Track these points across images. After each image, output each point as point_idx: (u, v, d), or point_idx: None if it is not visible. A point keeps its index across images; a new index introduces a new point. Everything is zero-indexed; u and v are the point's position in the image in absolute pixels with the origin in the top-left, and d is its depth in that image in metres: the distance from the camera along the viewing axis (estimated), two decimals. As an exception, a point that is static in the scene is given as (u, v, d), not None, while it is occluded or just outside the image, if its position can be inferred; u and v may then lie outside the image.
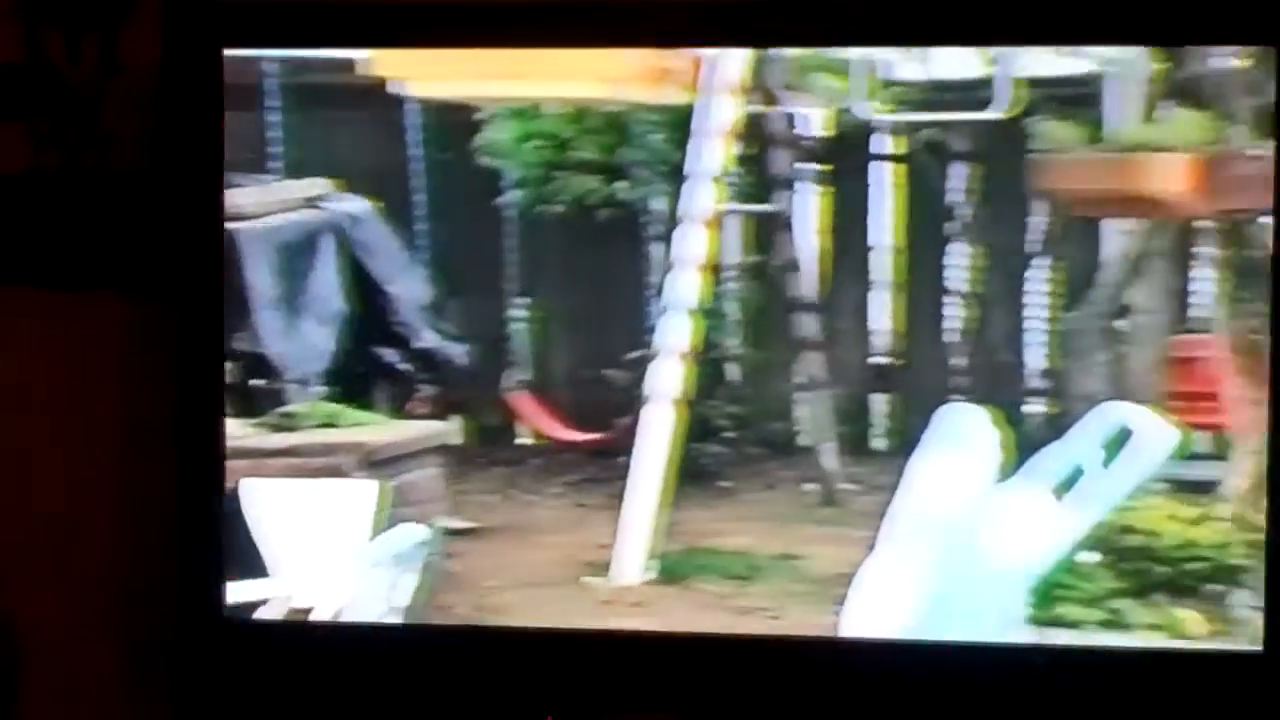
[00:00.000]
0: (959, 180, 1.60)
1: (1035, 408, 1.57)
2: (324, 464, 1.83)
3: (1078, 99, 1.55)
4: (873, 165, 1.60)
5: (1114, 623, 1.47)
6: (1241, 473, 1.50)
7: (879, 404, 1.63)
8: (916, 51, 1.59)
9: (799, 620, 1.78)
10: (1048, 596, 1.50)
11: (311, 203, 1.75)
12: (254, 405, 1.88)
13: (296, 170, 1.80)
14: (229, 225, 1.97)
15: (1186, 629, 1.45)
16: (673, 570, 1.73)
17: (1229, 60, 1.52)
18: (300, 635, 2.13)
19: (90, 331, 2.32)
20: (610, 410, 1.76)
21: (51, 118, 2.28)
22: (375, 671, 2.13)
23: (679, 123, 1.63)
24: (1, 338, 2.30)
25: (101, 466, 2.30)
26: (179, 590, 2.16)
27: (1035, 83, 1.54)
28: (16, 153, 2.27)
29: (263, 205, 1.80)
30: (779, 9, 1.84)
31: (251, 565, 2.01)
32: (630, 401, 1.70)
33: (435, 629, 2.10)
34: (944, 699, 1.87)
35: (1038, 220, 1.56)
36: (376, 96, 1.78)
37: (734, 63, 1.65)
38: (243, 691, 2.15)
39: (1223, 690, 1.68)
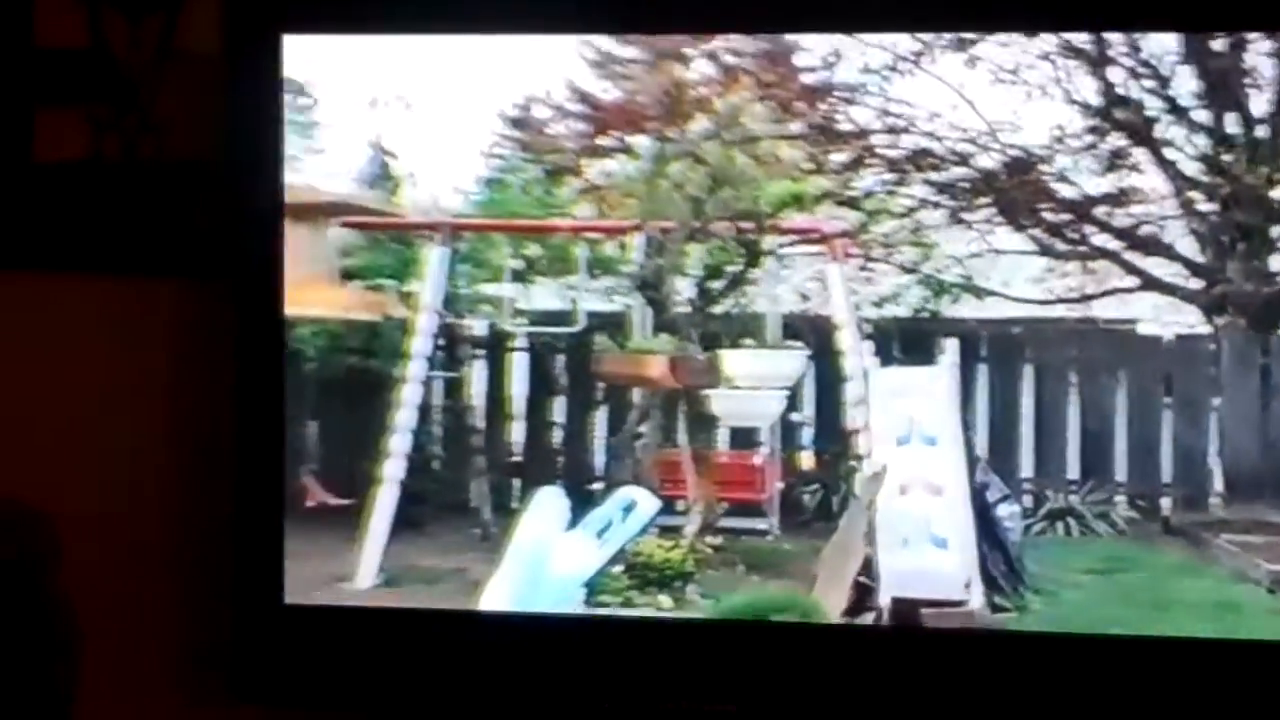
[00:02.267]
0: (562, 364, 2.25)
1: (592, 487, 2.20)
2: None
3: (614, 323, 2.21)
4: (513, 355, 2.24)
5: (628, 602, 2.15)
6: (693, 521, 2.18)
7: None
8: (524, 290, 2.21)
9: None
10: (594, 589, 2.15)
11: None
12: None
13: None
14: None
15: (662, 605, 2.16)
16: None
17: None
18: (356, 622, 2.17)
19: (149, 318, 2.36)
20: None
21: (111, 103, 2.30)
22: (431, 659, 2.17)
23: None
24: (60, 324, 2.39)
25: (161, 452, 2.37)
26: (237, 576, 2.21)
27: (593, 313, 2.21)
28: (76, 138, 2.34)
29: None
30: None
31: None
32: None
33: (491, 616, 2.14)
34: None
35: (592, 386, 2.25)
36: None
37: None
38: (300, 677, 2.21)
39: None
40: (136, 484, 2.40)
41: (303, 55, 2.13)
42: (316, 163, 2.14)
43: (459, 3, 2.17)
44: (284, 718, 2.30)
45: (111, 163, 2.32)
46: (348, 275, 2.17)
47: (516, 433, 2.25)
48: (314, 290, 2.12)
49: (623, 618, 2.18)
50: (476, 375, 2.24)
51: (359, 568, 2.19)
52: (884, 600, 2.14)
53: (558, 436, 2.25)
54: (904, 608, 2.13)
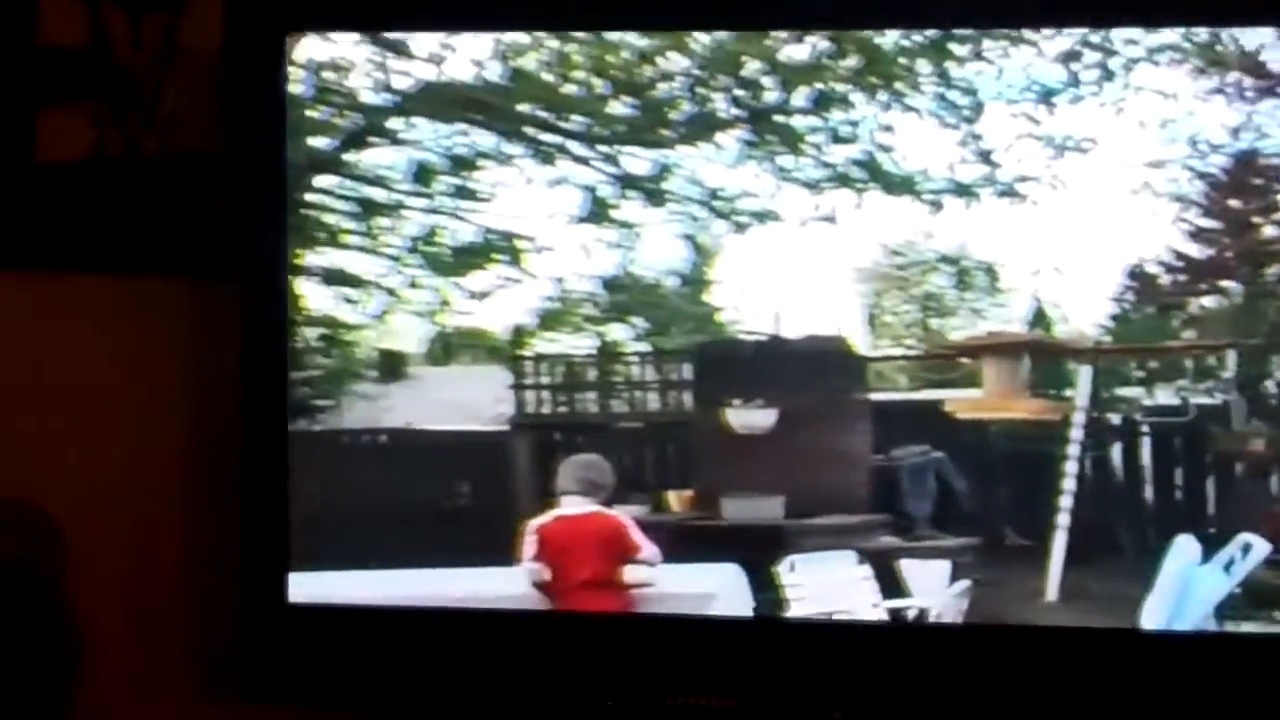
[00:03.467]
0: (1178, 445, 2.85)
1: (1211, 532, 2.75)
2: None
3: (1218, 414, 2.78)
4: (1143, 439, 2.87)
5: (1248, 618, 2.68)
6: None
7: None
8: (1147, 392, 2.81)
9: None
10: (1221, 610, 2.69)
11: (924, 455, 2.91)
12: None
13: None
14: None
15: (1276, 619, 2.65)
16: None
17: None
18: (363, 621, 2.16)
19: (154, 317, 2.29)
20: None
21: (114, 102, 2.19)
22: (438, 657, 2.17)
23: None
24: (64, 324, 2.31)
25: (168, 452, 2.31)
26: (244, 575, 2.16)
27: (1201, 406, 2.80)
28: (79, 137, 2.23)
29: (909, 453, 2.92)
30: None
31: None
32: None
33: (497, 614, 2.15)
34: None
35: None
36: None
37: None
38: (307, 675, 2.18)
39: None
40: (143, 484, 2.37)
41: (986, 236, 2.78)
42: (1000, 312, 2.89)
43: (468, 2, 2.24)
44: (292, 715, 2.32)
45: (114, 161, 2.23)
46: (1030, 388, 2.90)
47: (1149, 493, 2.85)
48: (1011, 400, 2.87)
49: (623, 615, 2.31)
50: (1116, 453, 2.87)
51: (1045, 588, 2.82)
52: None
53: (1182, 496, 2.83)
54: None
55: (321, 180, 2.57)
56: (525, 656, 2.24)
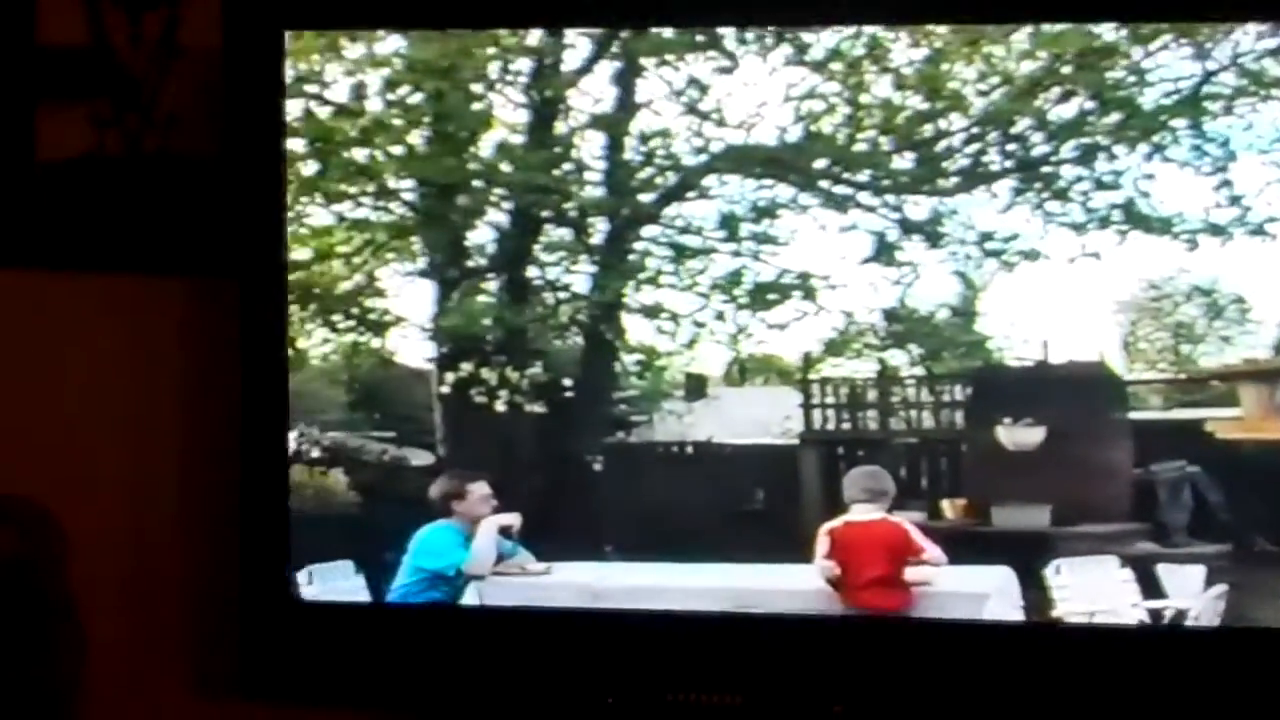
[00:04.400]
0: None
1: None
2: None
3: None
4: None
5: None
6: None
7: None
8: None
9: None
10: None
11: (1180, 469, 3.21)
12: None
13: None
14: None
15: None
16: None
17: None
18: (364, 618, 2.15)
19: (154, 316, 2.30)
20: None
21: (113, 100, 2.19)
22: (437, 654, 2.14)
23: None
24: (64, 322, 2.31)
25: (168, 450, 2.32)
26: (245, 573, 2.16)
27: None
28: (78, 135, 2.24)
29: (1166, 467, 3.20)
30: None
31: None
32: None
33: (498, 611, 2.12)
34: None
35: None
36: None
37: None
38: (308, 673, 2.17)
39: None
40: (143, 483, 2.38)
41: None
42: (1247, 339, 3.14)
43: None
44: (291, 714, 2.32)
45: (114, 160, 2.23)
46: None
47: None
48: (1269, 421, 3.11)
49: (625, 611, 2.31)
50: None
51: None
52: None
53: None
54: None
55: (647, 230, 2.95)
56: (523, 655, 2.25)
